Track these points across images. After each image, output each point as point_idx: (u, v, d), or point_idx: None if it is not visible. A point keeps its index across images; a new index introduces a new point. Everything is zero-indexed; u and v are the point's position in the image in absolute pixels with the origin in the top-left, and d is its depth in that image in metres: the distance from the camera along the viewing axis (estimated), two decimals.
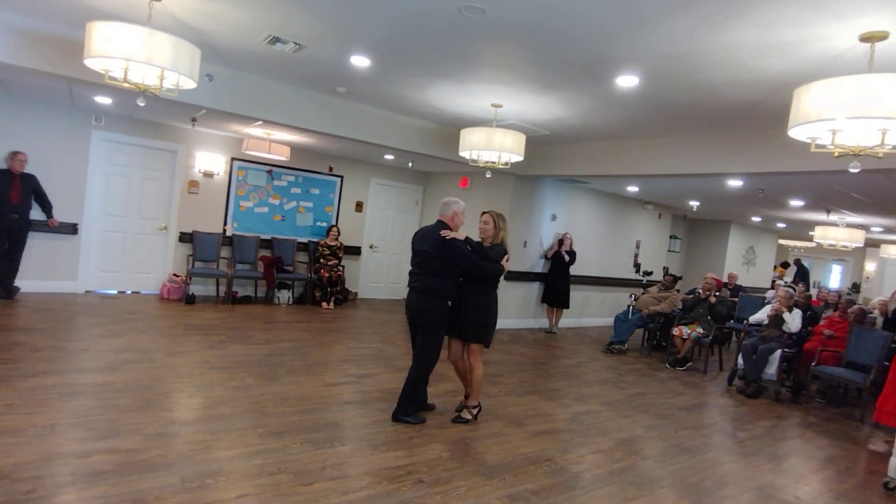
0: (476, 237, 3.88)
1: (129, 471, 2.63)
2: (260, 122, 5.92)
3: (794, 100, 2.75)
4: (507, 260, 3.85)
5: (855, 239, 8.22)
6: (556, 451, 3.56)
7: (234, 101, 5.19)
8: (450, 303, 3.75)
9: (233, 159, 7.77)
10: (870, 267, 15.61)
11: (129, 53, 3.09)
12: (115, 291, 7.15)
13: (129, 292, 7.24)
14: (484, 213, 3.93)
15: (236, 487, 2.59)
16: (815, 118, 2.58)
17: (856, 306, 5.97)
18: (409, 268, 3.86)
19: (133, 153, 7.15)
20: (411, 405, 3.76)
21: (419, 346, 3.75)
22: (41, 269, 6.59)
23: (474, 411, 3.90)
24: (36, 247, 6.50)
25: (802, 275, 12.93)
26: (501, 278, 3.91)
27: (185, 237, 7.48)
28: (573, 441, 3.78)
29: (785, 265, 12.32)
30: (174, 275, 7.27)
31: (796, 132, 2.79)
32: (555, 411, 4.39)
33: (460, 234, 3.72)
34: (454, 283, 3.74)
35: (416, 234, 3.90)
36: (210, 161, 7.56)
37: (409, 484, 2.84)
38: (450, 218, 3.78)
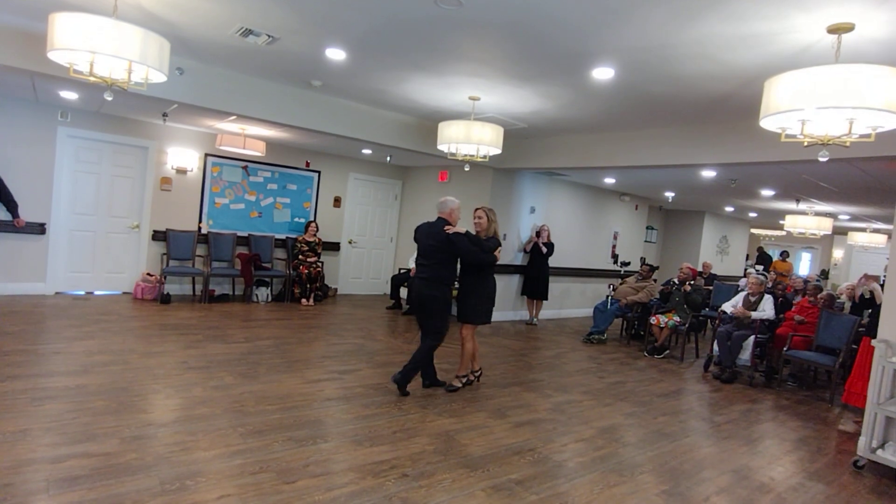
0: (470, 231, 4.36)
1: (106, 475, 2.57)
2: (234, 117, 5.81)
3: (764, 91, 2.81)
4: (499, 251, 4.38)
5: (823, 227, 8.46)
6: (539, 440, 3.59)
7: (207, 95, 5.07)
8: (452, 288, 4.27)
9: (207, 155, 7.61)
10: (837, 254, 16.10)
11: (94, 46, 2.98)
12: (86, 292, 6.96)
13: (101, 293, 7.06)
14: (477, 209, 4.46)
15: (217, 488, 2.55)
16: (785, 108, 2.63)
17: (825, 292, 6.15)
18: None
19: (102, 150, 6.95)
20: (413, 373, 4.21)
21: (432, 327, 4.22)
22: (7, 271, 6.38)
23: (464, 381, 4.46)
24: (1, 248, 6.28)
25: (764, 261, 13.28)
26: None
27: (158, 235, 7.31)
28: (555, 430, 3.83)
29: (784, 254, 12.54)
30: (148, 274, 7.11)
31: (767, 122, 2.85)
32: (537, 402, 4.43)
33: (461, 229, 4.19)
34: (455, 271, 4.30)
35: (419, 229, 4.39)
36: (183, 157, 7.39)
37: (394, 478, 2.84)
38: (448, 214, 4.30)
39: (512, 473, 3.05)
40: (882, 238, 11.13)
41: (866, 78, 2.42)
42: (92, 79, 3.25)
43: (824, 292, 6.16)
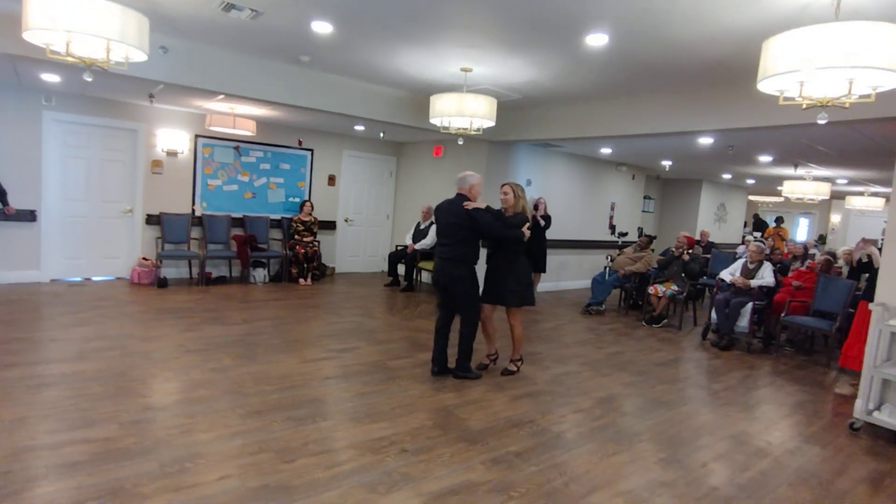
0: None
1: (105, 460, 2.58)
2: (222, 97, 5.69)
3: (762, 52, 2.72)
4: (528, 227, 4.16)
5: (821, 192, 8.41)
6: (538, 412, 3.61)
7: (193, 74, 4.95)
8: (475, 267, 4.11)
9: (197, 136, 7.49)
10: (835, 218, 16.07)
11: (70, 25, 2.89)
12: (83, 279, 6.94)
13: (97, 279, 7.03)
14: (504, 184, 4.29)
15: (217, 469, 2.56)
16: (784, 70, 2.56)
17: (822, 257, 6.13)
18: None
19: (90, 134, 6.83)
20: (468, 362, 4.16)
21: (462, 312, 4.13)
22: (1, 259, 6.33)
23: (519, 364, 4.41)
24: None
25: (760, 228, 13.27)
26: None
27: (152, 219, 7.24)
28: (554, 402, 3.85)
29: (780, 220, 12.46)
30: (143, 258, 7.07)
31: (765, 85, 2.77)
32: (535, 374, 4.45)
33: (481, 204, 4.04)
34: (478, 250, 4.13)
35: (438, 208, 4.22)
36: (173, 139, 7.27)
37: (393, 454, 2.86)
38: (467, 190, 4.12)
39: (511, 446, 3.07)
40: (880, 202, 11.08)
41: (867, 36, 2.34)
42: (70, 59, 3.15)
43: (821, 257, 6.15)
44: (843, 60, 2.38)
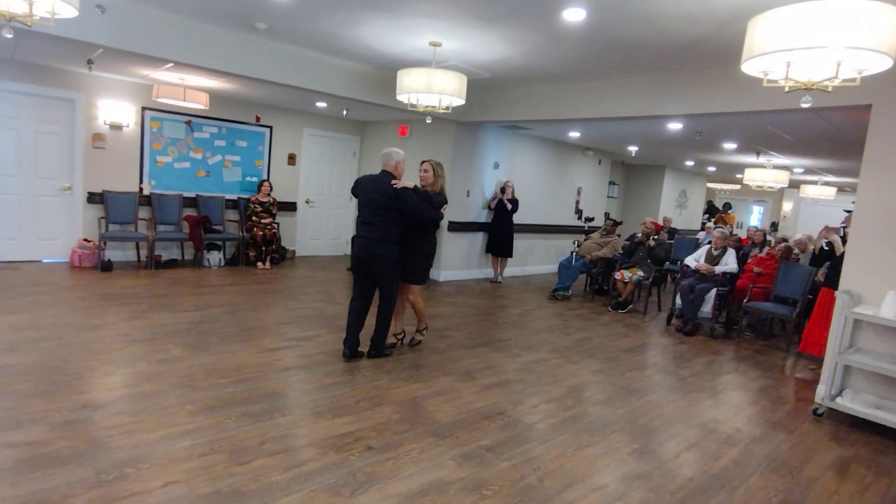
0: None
1: (32, 467, 2.29)
2: (170, 65, 5.25)
3: (748, 31, 2.61)
4: (444, 208, 4.10)
5: (780, 180, 8.58)
6: (509, 403, 3.50)
7: (135, 38, 4.51)
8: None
9: (144, 109, 6.97)
10: (787, 206, 16.64)
11: None
12: (15, 261, 6.38)
13: (32, 261, 6.49)
14: (424, 161, 4.16)
15: (161, 475, 2.32)
16: (771, 50, 2.45)
17: (783, 244, 6.24)
18: (356, 218, 4.14)
19: (21, 103, 6.23)
20: (384, 341, 4.13)
21: (383, 292, 4.03)
22: None
23: (424, 332, 4.54)
24: None
25: (713, 214, 13.65)
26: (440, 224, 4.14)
27: (94, 198, 6.72)
28: (525, 391, 3.74)
29: (727, 206, 12.76)
30: (85, 240, 6.56)
31: (749, 66, 2.67)
32: (505, 362, 4.33)
33: (409, 183, 3.90)
34: (401, 230, 3.98)
35: (359, 183, 4.03)
36: (117, 111, 6.73)
37: (358, 452, 2.67)
38: (393, 167, 3.97)
39: (482, 439, 2.94)
40: (832, 191, 11.48)
41: (858, 14, 2.25)
42: None
43: (782, 244, 6.26)
44: (830, 40, 2.28)
